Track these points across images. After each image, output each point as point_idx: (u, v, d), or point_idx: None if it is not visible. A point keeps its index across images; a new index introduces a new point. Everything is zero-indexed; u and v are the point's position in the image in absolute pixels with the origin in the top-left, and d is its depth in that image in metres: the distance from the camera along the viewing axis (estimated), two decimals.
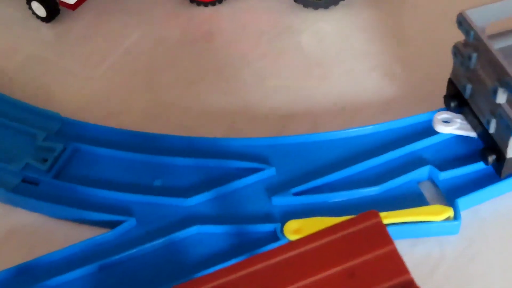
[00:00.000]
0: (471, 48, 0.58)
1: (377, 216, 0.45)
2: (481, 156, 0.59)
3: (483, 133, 0.60)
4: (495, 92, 0.56)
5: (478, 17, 0.59)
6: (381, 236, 0.44)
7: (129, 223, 0.59)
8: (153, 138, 0.65)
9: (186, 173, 0.62)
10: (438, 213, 0.58)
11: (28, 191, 0.62)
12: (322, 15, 0.76)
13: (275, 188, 0.61)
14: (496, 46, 0.60)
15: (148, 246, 0.58)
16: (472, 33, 0.58)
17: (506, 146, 0.57)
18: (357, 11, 0.76)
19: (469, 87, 0.60)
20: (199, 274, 0.56)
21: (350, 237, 0.44)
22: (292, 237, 0.58)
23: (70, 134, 0.65)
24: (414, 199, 0.60)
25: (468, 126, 0.61)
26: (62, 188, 0.62)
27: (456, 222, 0.58)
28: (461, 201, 0.58)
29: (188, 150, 0.64)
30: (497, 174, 0.59)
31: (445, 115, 0.62)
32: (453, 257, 0.58)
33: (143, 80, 0.72)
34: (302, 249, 0.45)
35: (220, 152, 0.63)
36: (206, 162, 0.63)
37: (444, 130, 0.61)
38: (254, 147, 0.63)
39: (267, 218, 0.59)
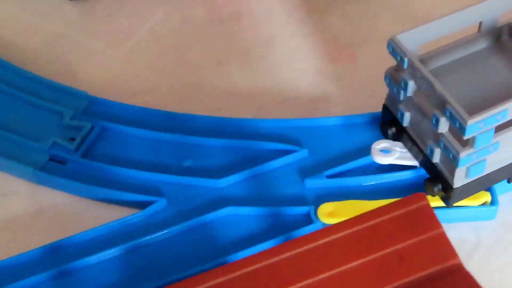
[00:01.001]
0: (406, 75, 0.54)
1: (425, 198, 0.44)
2: (426, 186, 0.56)
3: (426, 162, 0.56)
4: (436, 122, 0.52)
5: (410, 41, 0.56)
6: (429, 219, 0.43)
7: (160, 204, 0.58)
8: (182, 118, 0.64)
9: (216, 154, 0.61)
10: (474, 198, 0.57)
11: (56, 170, 0.61)
12: None
13: (308, 171, 0.60)
14: (431, 66, 0.58)
15: (179, 227, 0.57)
16: (406, 60, 0.54)
17: (453, 176, 0.53)
18: None
19: (407, 115, 0.56)
20: (232, 256, 0.55)
21: (397, 220, 0.44)
22: (326, 220, 0.57)
23: (97, 113, 0.64)
24: None
25: (409, 154, 0.57)
26: (90, 168, 0.61)
27: (493, 207, 0.57)
28: (499, 186, 0.57)
29: (218, 131, 0.63)
30: (444, 204, 0.56)
31: (384, 144, 0.58)
32: (490, 243, 0.57)
33: (169, 60, 0.71)
34: (349, 231, 0.44)
35: (251, 133, 0.62)
36: (236, 143, 0.62)
37: (384, 161, 0.57)
38: (286, 128, 0.62)
39: (300, 200, 0.58)
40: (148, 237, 0.57)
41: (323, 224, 0.57)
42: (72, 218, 0.60)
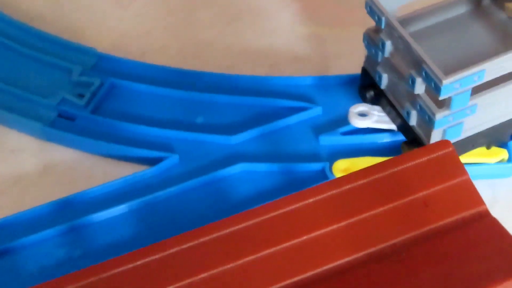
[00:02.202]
0: (384, 35, 0.54)
1: (450, 145, 0.43)
2: (402, 150, 0.55)
3: (403, 125, 0.55)
4: (412, 82, 0.51)
5: (389, 1, 0.54)
6: (454, 165, 0.43)
7: (172, 160, 0.57)
8: (193, 75, 0.63)
9: (228, 110, 0.60)
10: (491, 155, 0.56)
11: (65, 126, 0.60)
12: None
13: (322, 128, 0.59)
14: (411, 29, 0.56)
15: (191, 183, 0.56)
16: (383, 19, 0.53)
17: (429, 139, 0.52)
18: None
19: (384, 76, 0.55)
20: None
21: (422, 167, 0.43)
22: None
23: (107, 70, 0.63)
24: None
25: (387, 118, 0.57)
26: (100, 124, 0.60)
27: (510, 165, 0.56)
28: None
29: (229, 88, 0.62)
30: None
31: (361, 107, 0.57)
32: (506, 200, 0.56)
33: (179, 19, 0.69)
34: (372, 178, 0.43)
35: (263, 91, 0.61)
36: (249, 100, 0.61)
37: (361, 124, 0.57)
38: (299, 86, 0.62)
39: (314, 157, 0.57)
40: (160, 193, 0.56)
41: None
42: (82, 174, 0.59)
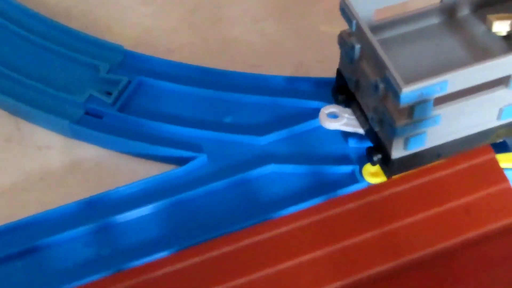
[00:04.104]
0: (354, 39, 0.53)
1: (491, 152, 0.43)
2: (367, 155, 0.55)
3: (370, 131, 0.55)
4: (376, 88, 0.51)
5: (364, 4, 0.54)
6: (495, 172, 0.42)
7: (200, 160, 0.57)
8: (221, 74, 0.62)
9: (257, 111, 0.60)
10: None
11: (92, 123, 0.59)
12: None
13: None
14: (386, 35, 0.56)
15: (219, 184, 0.56)
16: (354, 22, 0.52)
17: (391, 146, 0.52)
18: None
19: (353, 80, 0.55)
20: (274, 215, 0.54)
21: (462, 173, 0.42)
22: (371, 179, 0.55)
23: (134, 67, 0.63)
24: (498, 146, 0.57)
25: (356, 122, 0.56)
26: (128, 122, 0.59)
27: None
28: None
29: (258, 88, 0.61)
30: (384, 175, 0.55)
31: (332, 109, 0.57)
32: None
33: (205, 16, 0.69)
34: (412, 184, 0.42)
35: (292, 91, 0.61)
36: (278, 100, 0.60)
37: (330, 126, 0.56)
38: (328, 87, 0.61)
39: (344, 159, 0.57)
40: (189, 193, 0.55)
41: (368, 183, 0.55)
42: (109, 172, 0.58)
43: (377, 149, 0.54)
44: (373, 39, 0.51)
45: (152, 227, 0.54)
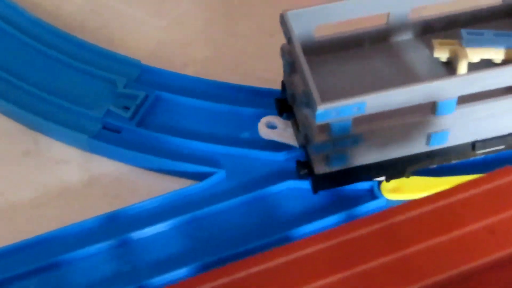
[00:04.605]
0: (291, 53, 0.53)
1: None
2: (296, 168, 0.55)
3: (302, 145, 0.55)
4: (301, 103, 0.52)
5: (304, 19, 0.55)
6: None
7: (219, 175, 0.57)
8: (237, 89, 0.62)
9: None
10: None
11: (110, 138, 0.60)
12: None
13: None
14: (326, 52, 0.57)
15: (238, 199, 0.56)
16: (290, 37, 0.53)
17: (314, 162, 0.53)
18: None
19: (290, 93, 0.56)
20: (293, 231, 0.54)
21: (485, 194, 0.42)
22: (390, 195, 0.56)
23: (151, 82, 0.63)
24: None
25: (290, 134, 0.57)
26: (145, 137, 0.59)
27: None
28: None
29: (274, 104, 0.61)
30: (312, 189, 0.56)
31: (271, 119, 0.57)
32: None
33: (219, 30, 0.69)
34: (433, 206, 0.42)
35: None
36: None
37: (266, 135, 0.57)
38: None
39: None
40: (207, 209, 0.56)
41: (387, 199, 0.56)
42: (127, 187, 0.59)
43: (304, 163, 0.54)
44: (301, 55, 0.51)
45: (172, 243, 0.55)
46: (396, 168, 0.55)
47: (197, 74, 0.65)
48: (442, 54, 0.57)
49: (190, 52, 0.68)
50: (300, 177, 0.55)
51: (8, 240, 0.55)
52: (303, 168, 0.54)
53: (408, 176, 0.55)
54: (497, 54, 0.55)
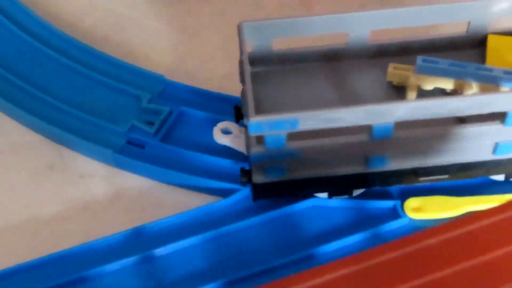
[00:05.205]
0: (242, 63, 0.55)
1: None
2: (240, 176, 0.56)
3: (246, 153, 0.56)
4: (244, 114, 0.53)
5: (260, 32, 0.56)
6: None
7: (243, 192, 0.58)
8: None
9: None
10: None
11: (135, 153, 0.60)
12: None
13: None
14: (279, 65, 0.58)
15: (263, 216, 0.56)
16: (240, 47, 0.54)
17: (252, 171, 0.54)
18: None
19: (242, 101, 0.56)
20: (317, 249, 0.55)
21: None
22: (413, 214, 0.56)
23: (174, 97, 0.63)
24: None
25: (242, 141, 0.57)
26: (170, 152, 0.60)
27: None
28: None
29: None
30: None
31: (227, 125, 0.58)
32: None
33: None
34: (463, 230, 0.43)
35: None
36: None
37: (220, 140, 0.58)
38: None
39: (385, 194, 0.58)
40: (232, 226, 0.56)
41: (410, 218, 0.56)
42: (151, 202, 0.59)
43: (246, 172, 0.55)
44: (246, 65, 0.53)
45: (196, 259, 0.55)
46: (337, 186, 0.56)
47: (219, 88, 0.65)
48: (394, 79, 0.57)
49: (212, 66, 0.68)
50: (242, 183, 0.56)
51: (33, 254, 0.55)
52: (244, 176, 0.55)
53: (351, 195, 0.56)
54: (447, 83, 0.56)
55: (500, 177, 0.57)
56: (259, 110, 0.55)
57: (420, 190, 0.58)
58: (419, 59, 0.55)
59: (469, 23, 0.58)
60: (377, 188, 0.57)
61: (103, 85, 0.63)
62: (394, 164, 0.54)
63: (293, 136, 0.51)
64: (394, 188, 0.58)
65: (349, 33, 0.57)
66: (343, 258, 0.45)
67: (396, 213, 0.56)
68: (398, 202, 0.57)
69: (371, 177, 0.55)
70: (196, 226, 0.56)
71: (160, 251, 0.55)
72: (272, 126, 0.50)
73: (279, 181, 0.54)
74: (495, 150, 0.54)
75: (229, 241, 0.56)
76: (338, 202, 0.57)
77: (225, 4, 0.73)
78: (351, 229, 0.56)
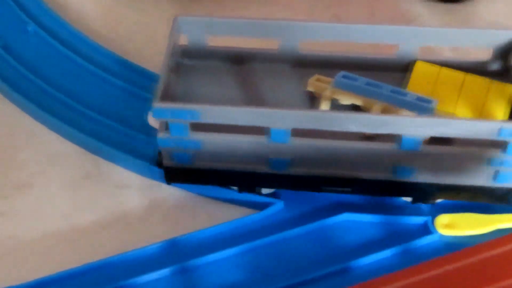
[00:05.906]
0: None
1: None
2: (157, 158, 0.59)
3: None
4: None
5: (197, 26, 0.60)
6: None
7: (277, 206, 0.59)
8: None
9: None
10: None
11: None
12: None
13: None
14: (218, 61, 0.61)
15: (296, 230, 0.58)
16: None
17: (163, 154, 0.57)
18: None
19: None
20: (350, 263, 0.56)
21: None
22: (444, 231, 0.57)
23: None
24: None
25: None
26: None
27: None
28: None
29: None
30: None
31: None
32: None
33: None
34: (492, 252, 0.44)
35: None
36: None
37: (152, 123, 0.60)
38: None
39: (416, 210, 0.59)
40: (267, 239, 0.57)
41: (441, 235, 0.57)
42: (186, 214, 0.60)
43: (160, 154, 0.58)
44: (166, 55, 0.57)
45: (231, 272, 0.56)
46: (244, 182, 0.58)
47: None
48: (311, 89, 0.60)
49: None
50: (157, 165, 0.59)
51: (71, 263, 0.56)
52: (158, 158, 0.58)
53: (259, 193, 0.59)
54: (356, 100, 0.58)
55: None
56: (178, 99, 0.59)
57: (451, 207, 0.59)
58: (339, 74, 0.59)
59: (398, 46, 0.61)
60: (403, 202, 0.59)
61: (141, 98, 0.64)
62: (296, 170, 0.56)
63: (207, 128, 0.55)
64: (426, 204, 0.59)
65: (280, 40, 0.61)
66: (376, 279, 0.45)
67: (427, 229, 0.57)
68: (429, 218, 0.58)
69: (274, 178, 0.57)
70: (231, 239, 0.57)
71: (196, 262, 0.56)
72: (175, 114, 0.54)
73: (188, 168, 0.57)
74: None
75: (264, 254, 0.57)
76: (370, 217, 0.58)
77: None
78: (384, 243, 0.57)
